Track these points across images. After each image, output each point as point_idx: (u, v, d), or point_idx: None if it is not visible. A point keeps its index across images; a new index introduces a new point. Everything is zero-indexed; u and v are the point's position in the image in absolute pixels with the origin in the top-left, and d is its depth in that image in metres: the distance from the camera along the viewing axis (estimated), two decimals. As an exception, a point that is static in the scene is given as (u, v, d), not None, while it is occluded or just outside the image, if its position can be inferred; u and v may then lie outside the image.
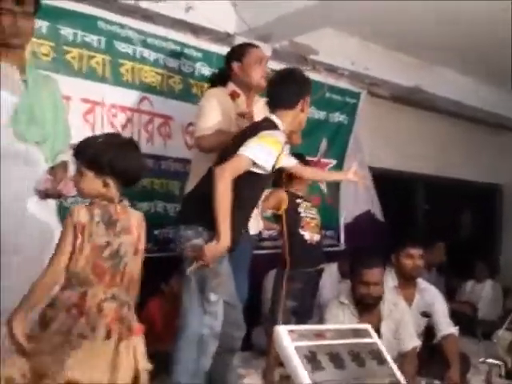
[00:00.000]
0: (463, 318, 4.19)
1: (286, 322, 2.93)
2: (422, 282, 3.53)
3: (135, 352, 1.93)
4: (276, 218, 3.27)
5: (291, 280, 3.13)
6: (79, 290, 1.89)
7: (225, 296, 2.46)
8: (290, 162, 2.83)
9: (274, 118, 2.54)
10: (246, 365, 3.31)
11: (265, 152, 2.37)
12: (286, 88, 2.57)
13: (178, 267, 2.61)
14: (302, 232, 3.20)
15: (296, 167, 2.94)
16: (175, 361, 2.40)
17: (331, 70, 4.43)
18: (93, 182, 1.94)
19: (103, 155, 1.92)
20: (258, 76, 2.88)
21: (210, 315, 2.40)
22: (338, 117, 4.66)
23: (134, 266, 2.02)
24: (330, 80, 4.49)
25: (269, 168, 2.42)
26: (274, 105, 2.59)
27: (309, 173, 3.13)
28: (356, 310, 3.10)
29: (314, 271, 3.25)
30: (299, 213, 3.23)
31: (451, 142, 5.95)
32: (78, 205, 1.96)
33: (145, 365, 1.97)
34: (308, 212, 3.27)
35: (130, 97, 3.33)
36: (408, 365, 3.01)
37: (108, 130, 3.18)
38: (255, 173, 2.41)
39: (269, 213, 3.33)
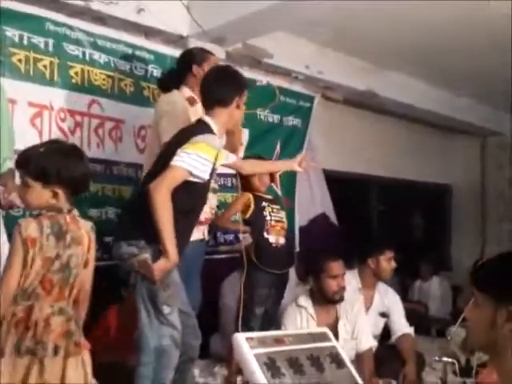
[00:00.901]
0: (416, 316, 4.28)
1: (252, 329, 2.92)
2: (381, 284, 3.59)
3: (84, 368, 1.88)
4: (244, 221, 3.24)
5: (256, 284, 3.11)
6: (25, 304, 1.82)
7: (178, 305, 2.41)
8: (228, 160, 2.77)
9: (207, 119, 2.50)
10: (204, 373, 3.26)
11: (200, 161, 2.31)
12: (220, 85, 2.52)
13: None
14: (266, 235, 3.19)
15: (235, 163, 2.87)
16: (139, 375, 2.34)
17: (285, 73, 4.44)
18: (41, 193, 1.88)
19: (49, 164, 1.87)
20: None
21: (168, 326, 2.35)
22: (292, 120, 4.67)
23: (84, 278, 1.97)
24: (284, 83, 4.50)
25: (206, 177, 2.38)
26: (208, 103, 2.54)
27: (249, 166, 3.01)
28: (314, 311, 3.10)
29: (279, 274, 3.24)
30: (264, 216, 3.22)
31: (403, 144, 6.09)
32: (25, 218, 1.89)
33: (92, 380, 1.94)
34: (273, 215, 3.26)
35: (79, 100, 3.22)
36: (365, 365, 3.05)
37: (56, 134, 3.08)
38: (192, 182, 2.36)
39: (238, 217, 3.30)
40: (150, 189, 2.24)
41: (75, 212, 1.96)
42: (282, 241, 3.25)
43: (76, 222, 1.94)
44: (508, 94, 4.82)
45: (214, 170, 2.47)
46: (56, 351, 1.82)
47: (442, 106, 5.58)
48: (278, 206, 3.35)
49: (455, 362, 2.57)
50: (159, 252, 2.26)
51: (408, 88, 5.17)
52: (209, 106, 2.54)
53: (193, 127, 2.51)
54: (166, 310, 2.34)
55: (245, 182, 3.25)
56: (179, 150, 2.31)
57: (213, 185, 3.00)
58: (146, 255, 2.27)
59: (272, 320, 3.26)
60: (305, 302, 3.12)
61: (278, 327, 3.15)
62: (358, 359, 3.06)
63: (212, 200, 2.93)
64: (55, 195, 1.89)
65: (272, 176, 3.39)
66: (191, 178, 2.33)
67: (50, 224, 1.85)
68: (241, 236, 3.16)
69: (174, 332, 2.37)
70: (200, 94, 2.63)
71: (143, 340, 2.35)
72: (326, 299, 3.08)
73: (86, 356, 1.93)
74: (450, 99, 5.64)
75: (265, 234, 3.19)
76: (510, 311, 1.34)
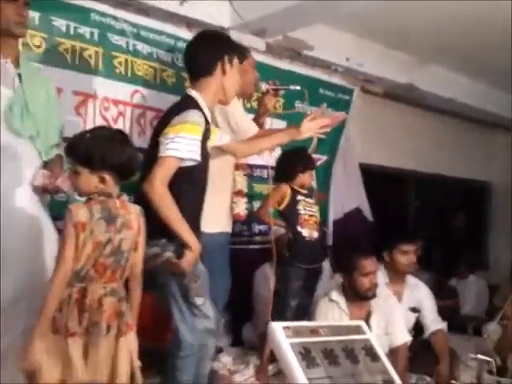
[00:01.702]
0: (449, 312, 4.23)
1: (288, 320, 2.93)
2: (411, 278, 3.56)
3: (130, 348, 1.94)
4: (278, 212, 3.26)
5: (291, 277, 3.13)
6: (78, 286, 1.88)
7: (208, 296, 2.39)
8: (222, 140, 2.54)
9: (193, 92, 2.34)
10: (236, 361, 3.30)
11: (185, 142, 2.16)
12: (199, 52, 2.37)
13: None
14: (300, 229, 3.20)
15: (228, 145, 2.58)
16: (179, 368, 2.32)
17: (325, 65, 4.43)
18: (89, 179, 1.92)
19: (94, 150, 1.90)
20: (254, 81, 2.89)
21: (201, 317, 2.34)
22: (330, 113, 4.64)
23: (134, 261, 2.02)
24: (323, 76, 4.49)
25: (197, 157, 2.22)
26: (192, 75, 2.40)
27: (243, 149, 2.67)
28: (346, 306, 3.10)
29: (312, 269, 3.25)
30: (298, 210, 3.23)
31: (443, 139, 5.99)
32: (75, 203, 1.94)
33: (137, 361, 1.98)
34: (307, 209, 3.27)
35: (122, 90, 3.28)
36: (399, 360, 3.03)
37: (100, 123, 3.13)
38: (187, 166, 2.22)
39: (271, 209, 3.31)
40: (145, 189, 2.14)
41: (124, 197, 2.00)
42: (315, 235, 3.25)
43: (126, 207, 1.98)
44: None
45: (206, 148, 2.31)
46: (109, 330, 1.88)
47: (483, 101, 5.49)
48: (311, 201, 3.35)
49: (492, 360, 2.54)
50: (182, 246, 2.20)
51: (449, 82, 5.10)
52: (193, 79, 2.39)
53: (176, 105, 2.34)
54: (198, 301, 2.31)
55: (284, 173, 3.28)
56: (162, 138, 2.19)
57: (240, 187, 2.97)
58: (169, 253, 2.21)
59: (305, 312, 3.28)
60: (337, 296, 3.12)
61: (311, 319, 3.17)
62: (392, 354, 3.04)
63: (241, 203, 2.92)
64: (102, 180, 1.92)
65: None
66: (184, 163, 2.21)
67: (100, 209, 1.89)
68: (272, 228, 3.14)
69: (208, 322, 2.36)
70: (185, 66, 2.51)
71: (179, 335, 2.31)
72: (358, 296, 3.08)
73: (132, 336, 1.98)
74: (491, 94, 5.54)
75: (298, 228, 3.20)
76: None
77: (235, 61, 2.42)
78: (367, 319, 3.03)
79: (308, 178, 3.35)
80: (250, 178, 3.72)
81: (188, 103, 2.29)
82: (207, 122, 2.33)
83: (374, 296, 3.07)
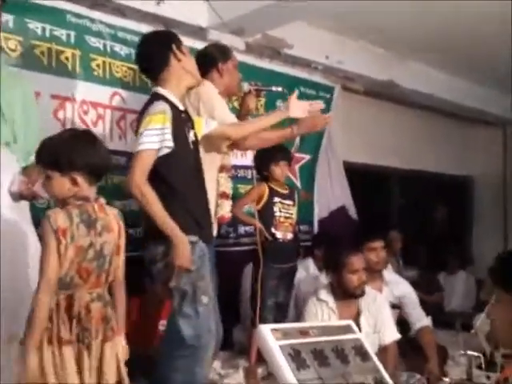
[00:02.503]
0: (433, 306, 4.24)
1: (266, 319, 2.92)
2: (388, 274, 3.53)
3: (117, 353, 1.91)
4: (257, 213, 3.26)
5: (266, 277, 3.15)
6: (64, 293, 1.84)
7: (212, 296, 2.41)
8: (209, 126, 2.59)
9: (159, 89, 2.41)
10: (226, 364, 3.27)
11: (154, 133, 2.24)
12: (148, 53, 2.46)
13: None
14: (274, 231, 3.24)
15: (217, 129, 2.60)
16: (175, 369, 2.29)
17: (305, 64, 4.41)
18: (61, 182, 1.88)
19: (60, 150, 1.87)
20: (237, 81, 2.87)
21: (205, 318, 2.32)
22: (311, 111, 4.63)
23: (117, 265, 1.99)
24: (303, 74, 4.48)
25: (170, 143, 2.26)
26: (151, 75, 2.50)
27: (235, 130, 2.68)
28: (335, 305, 3.08)
29: (286, 268, 3.25)
30: (274, 212, 3.24)
31: (425, 135, 6.03)
32: (53, 209, 1.88)
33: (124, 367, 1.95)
34: (283, 211, 3.28)
35: (101, 92, 3.24)
36: (389, 359, 3.00)
37: (79, 126, 3.09)
38: (165, 155, 2.27)
39: (248, 208, 3.31)
40: (126, 184, 2.22)
41: (102, 200, 1.96)
42: (289, 236, 3.30)
43: (104, 210, 1.95)
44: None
45: (183, 133, 2.36)
46: (96, 336, 1.86)
47: (462, 96, 5.51)
48: (290, 202, 3.36)
49: (480, 355, 2.53)
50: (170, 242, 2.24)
51: (429, 78, 5.12)
52: (155, 78, 2.46)
53: (143, 107, 2.41)
54: (204, 299, 2.31)
55: (264, 173, 3.26)
56: (138, 132, 2.30)
57: (224, 189, 2.96)
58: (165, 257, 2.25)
59: (285, 311, 3.31)
60: (325, 296, 3.09)
61: (290, 318, 3.20)
62: (382, 352, 3.03)
63: (225, 206, 2.90)
64: (74, 182, 1.88)
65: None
66: (161, 153, 2.26)
67: (79, 213, 1.86)
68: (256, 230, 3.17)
69: (211, 323, 2.35)
70: (140, 71, 2.60)
71: (180, 335, 2.29)
72: (347, 294, 3.05)
73: (119, 341, 1.95)
74: (471, 89, 5.57)
75: (272, 230, 3.24)
76: None
77: (183, 47, 2.48)
78: (356, 318, 3.01)
79: (279, 171, 3.32)
80: (233, 179, 3.69)
81: (154, 99, 2.36)
82: (179, 111, 2.38)
83: (362, 294, 3.05)
